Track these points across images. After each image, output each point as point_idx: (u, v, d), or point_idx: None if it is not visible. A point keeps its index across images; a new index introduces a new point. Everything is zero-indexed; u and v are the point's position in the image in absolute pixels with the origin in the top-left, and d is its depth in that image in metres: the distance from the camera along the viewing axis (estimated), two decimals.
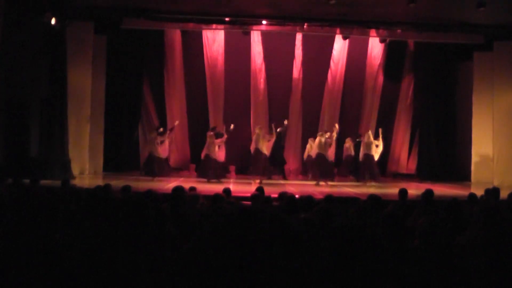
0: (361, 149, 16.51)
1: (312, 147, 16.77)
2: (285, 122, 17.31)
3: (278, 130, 16.82)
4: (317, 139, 16.40)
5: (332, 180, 16.28)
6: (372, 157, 16.30)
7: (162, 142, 16.58)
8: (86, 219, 4.83)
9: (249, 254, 1.96)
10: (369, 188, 14.76)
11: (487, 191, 8.93)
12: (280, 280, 1.95)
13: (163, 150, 16.59)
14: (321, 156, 16.12)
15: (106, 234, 4.19)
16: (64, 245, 3.83)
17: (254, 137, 16.41)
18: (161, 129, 17.07)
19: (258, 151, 16.00)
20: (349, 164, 17.79)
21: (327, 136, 16.32)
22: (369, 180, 16.18)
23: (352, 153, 17.69)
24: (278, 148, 16.94)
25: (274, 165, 16.84)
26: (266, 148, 16.18)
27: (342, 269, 2.99)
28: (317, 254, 2.37)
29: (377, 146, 16.50)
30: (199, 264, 2.22)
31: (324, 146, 16.13)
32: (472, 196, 8.02)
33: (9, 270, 3.63)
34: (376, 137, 16.64)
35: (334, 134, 16.60)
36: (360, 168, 16.63)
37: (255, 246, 1.97)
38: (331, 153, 16.52)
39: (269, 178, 16.01)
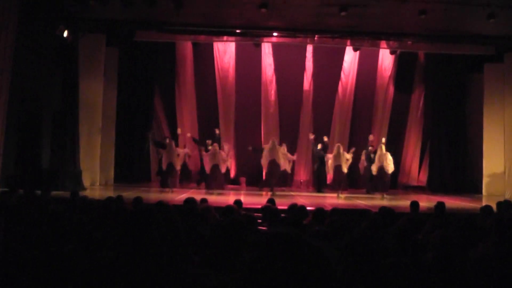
0: (375, 161, 16.28)
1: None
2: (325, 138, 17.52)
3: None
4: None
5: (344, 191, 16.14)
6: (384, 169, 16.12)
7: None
8: (97, 230, 4.83)
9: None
10: (382, 200, 14.81)
11: (499, 204, 8.83)
12: None
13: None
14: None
15: (117, 245, 4.19)
16: (75, 256, 3.83)
17: (269, 148, 16.14)
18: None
19: (274, 162, 15.90)
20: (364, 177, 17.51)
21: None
22: (381, 192, 16.04)
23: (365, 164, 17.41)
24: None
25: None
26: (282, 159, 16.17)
27: (357, 281, 2.97)
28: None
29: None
30: None
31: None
32: (486, 208, 7.83)
33: (20, 281, 3.64)
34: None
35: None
36: (372, 181, 16.51)
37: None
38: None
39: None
